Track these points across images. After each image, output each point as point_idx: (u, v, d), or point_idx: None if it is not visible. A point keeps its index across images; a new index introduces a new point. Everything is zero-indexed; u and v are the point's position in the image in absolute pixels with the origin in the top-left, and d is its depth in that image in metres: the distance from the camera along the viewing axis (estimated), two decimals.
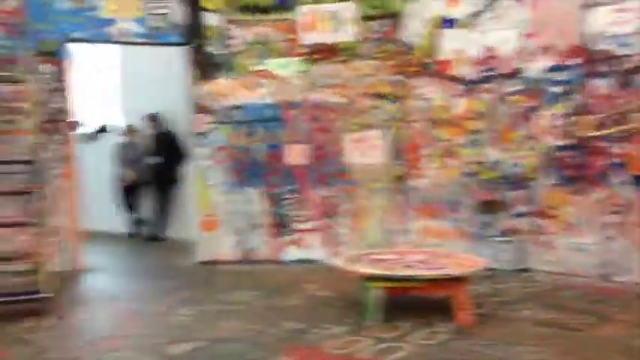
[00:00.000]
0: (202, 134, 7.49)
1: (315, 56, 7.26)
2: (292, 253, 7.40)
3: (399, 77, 7.12)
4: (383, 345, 4.42)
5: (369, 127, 7.20)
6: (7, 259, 6.19)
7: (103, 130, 10.25)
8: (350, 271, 5.12)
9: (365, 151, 7.20)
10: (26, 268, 5.81)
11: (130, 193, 9.64)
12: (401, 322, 4.85)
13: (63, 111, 7.17)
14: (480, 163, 6.83)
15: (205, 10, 7.38)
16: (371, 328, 4.77)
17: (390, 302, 4.93)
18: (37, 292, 5.41)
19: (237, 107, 7.42)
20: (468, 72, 6.84)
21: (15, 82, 6.54)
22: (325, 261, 7.03)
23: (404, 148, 7.15)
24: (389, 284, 4.88)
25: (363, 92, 7.20)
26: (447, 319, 4.86)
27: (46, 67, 7.06)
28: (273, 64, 7.34)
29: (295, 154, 7.34)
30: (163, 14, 7.37)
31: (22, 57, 6.77)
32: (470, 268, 5.02)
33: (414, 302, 5.23)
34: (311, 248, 7.36)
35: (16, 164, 6.39)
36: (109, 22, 7.25)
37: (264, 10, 7.36)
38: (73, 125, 7.38)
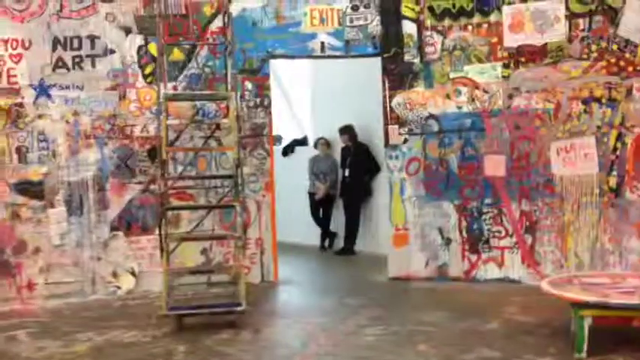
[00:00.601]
0: (395, 146, 7.37)
1: (519, 59, 6.85)
2: (489, 272, 7.04)
3: (614, 78, 6.48)
4: None
5: (579, 134, 6.62)
6: (209, 270, 6.52)
7: (299, 143, 10.52)
8: (556, 295, 4.68)
9: (574, 161, 6.65)
10: (227, 280, 6.04)
11: (321, 206, 9.74)
12: (615, 356, 4.36)
13: (264, 126, 7.42)
14: None
15: (404, 18, 7.26)
16: None
17: (602, 333, 4.45)
18: (237, 304, 5.53)
19: (433, 117, 7.23)
20: None
21: (219, 99, 6.87)
22: (526, 282, 6.68)
23: (621, 158, 6.45)
24: (603, 313, 4.40)
25: (572, 96, 6.64)
26: None
27: (249, 84, 7.35)
28: (473, 70, 7.05)
29: (494, 165, 6.97)
30: (361, 26, 7.36)
31: (227, 75, 7.09)
32: None
33: (629, 334, 4.63)
34: (510, 267, 6.95)
35: (219, 179, 6.74)
36: (310, 37, 7.40)
37: (465, 14, 7.08)
38: (274, 140, 7.60)
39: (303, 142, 10.53)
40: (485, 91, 7.01)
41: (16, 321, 5.95)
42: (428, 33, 7.22)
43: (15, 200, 6.64)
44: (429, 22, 7.20)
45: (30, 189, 6.70)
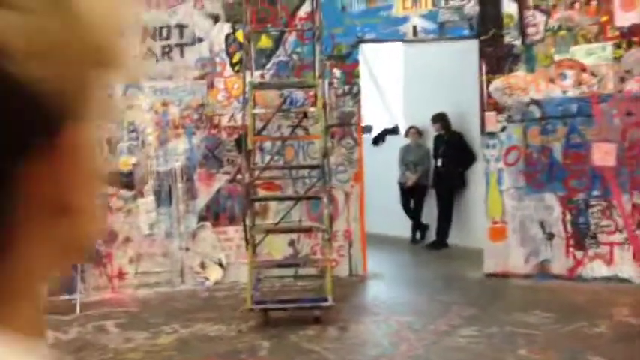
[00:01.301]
0: (493, 134, 6.97)
1: (631, 39, 6.35)
2: (596, 270, 6.57)
3: None
4: None
5: None
6: (295, 264, 6.37)
7: (390, 132, 10.22)
8: None
9: None
10: (313, 274, 5.87)
11: (412, 197, 9.42)
12: None
13: (353, 114, 7.19)
14: None
15: None
16: None
17: None
18: (324, 299, 5.35)
19: (534, 102, 6.80)
20: None
21: (306, 87, 6.69)
22: (637, 281, 6.24)
23: None
24: None
25: None
26: None
27: (337, 71, 7.14)
28: (580, 52, 6.57)
29: (603, 154, 6.48)
30: (457, 7, 6.99)
31: (315, 62, 6.90)
32: None
33: None
34: (619, 264, 6.46)
35: (306, 169, 6.56)
36: (401, 20, 7.10)
37: None
38: (364, 129, 7.36)
39: (394, 131, 10.23)
40: (594, 74, 6.51)
41: (106, 310, 6.02)
42: (530, 12, 6.78)
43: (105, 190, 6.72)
44: (531, 1, 6.76)
45: (120, 179, 6.77)
